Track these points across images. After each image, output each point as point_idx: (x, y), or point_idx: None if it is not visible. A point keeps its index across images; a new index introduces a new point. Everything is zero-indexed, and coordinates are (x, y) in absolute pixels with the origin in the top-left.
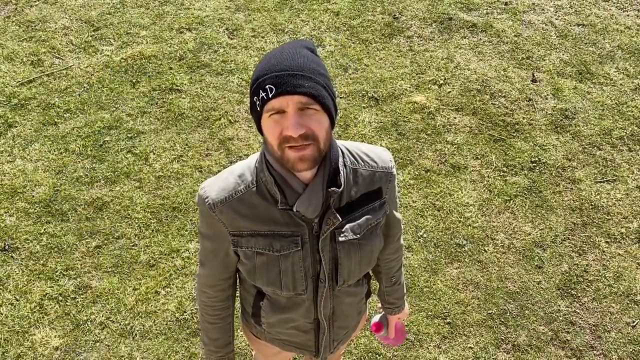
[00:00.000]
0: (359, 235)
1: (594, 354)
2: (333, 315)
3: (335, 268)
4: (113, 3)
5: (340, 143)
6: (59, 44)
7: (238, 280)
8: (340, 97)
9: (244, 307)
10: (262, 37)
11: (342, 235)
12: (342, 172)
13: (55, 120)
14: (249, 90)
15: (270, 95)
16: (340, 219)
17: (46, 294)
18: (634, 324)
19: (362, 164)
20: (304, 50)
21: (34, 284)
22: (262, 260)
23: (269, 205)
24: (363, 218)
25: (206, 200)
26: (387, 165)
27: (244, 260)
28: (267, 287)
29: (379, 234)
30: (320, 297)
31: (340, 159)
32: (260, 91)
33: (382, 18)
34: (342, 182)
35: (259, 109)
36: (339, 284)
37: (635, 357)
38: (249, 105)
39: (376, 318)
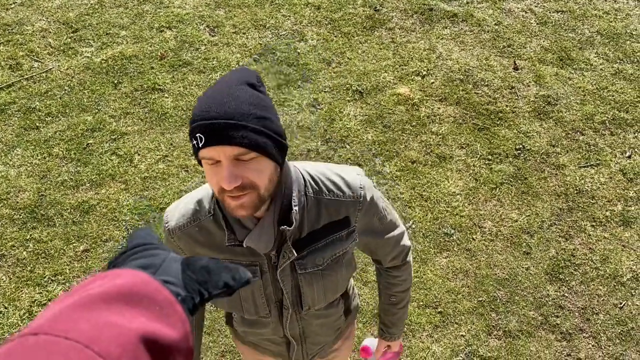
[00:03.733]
0: (321, 267)
1: (584, 337)
2: (303, 334)
3: (299, 295)
4: (91, 4)
5: (303, 168)
6: (38, 46)
7: None
8: (325, 92)
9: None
10: (244, 34)
11: (301, 267)
12: (294, 209)
13: (37, 124)
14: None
15: (200, 145)
16: (296, 254)
17: (35, 300)
18: (621, 305)
19: (326, 193)
20: (240, 89)
21: (22, 290)
22: None
23: (222, 236)
24: (327, 249)
25: (166, 225)
26: (355, 194)
27: None
28: (229, 310)
29: (344, 263)
30: (286, 320)
31: (302, 189)
32: (193, 139)
33: (363, 11)
34: (295, 220)
35: (193, 154)
36: (304, 310)
37: (623, 338)
38: None
39: (366, 342)
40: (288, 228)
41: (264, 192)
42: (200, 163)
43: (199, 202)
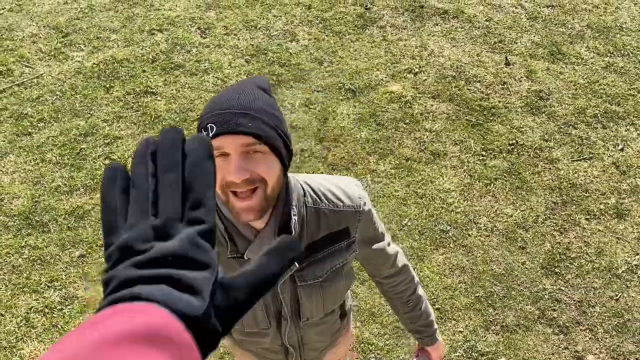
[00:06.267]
0: (320, 279)
1: (580, 329)
2: (302, 342)
3: (297, 307)
4: (81, 8)
5: (302, 179)
6: (28, 52)
7: None
8: (318, 91)
9: None
10: (235, 35)
11: (301, 279)
12: (293, 218)
13: (29, 130)
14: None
15: (210, 135)
16: (297, 266)
17: (32, 307)
18: (617, 297)
19: (326, 203)
20: (255, 90)
21: (18, 297)
22: None
23: (223, 249)
24: (326, 260)
25: None
26: (354, 204)
27: None
28: None
29: (344, 275)
30: (284, 330)
31: (301, 199)
32: (202, 131)
33: (354, 9)
34: (295, 229)
35: None
36: (302, 321)
37: (619, 329)
38: None
39: None
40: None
41: (271, 192)
42: None
43: None
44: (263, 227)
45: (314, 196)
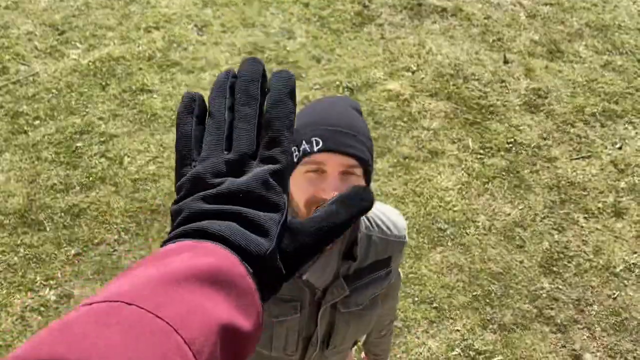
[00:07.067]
0: (362, 306)
1: (578, 328)
2: None
3: (329, 334)
4: (77, 5)
5: None
6: (24, 50)
7: None
8: (315, 89)
9: None
10: (232, 32)
11: (345, 306)
12: (359, 244)
13: (25, 128)
14: None
15: (315, 149)
16: (348, 292)
17: (27, 305)
18: (615, 295)
19: (377, 230)
20: (351, 111)
21: (14, 296)
22: None
23: None
24: (369, 287)
25: None
26: (401, 234)
27: None
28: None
29: (380, 303)
30: (309, 357)
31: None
32: (303, 142)
33: (352, 7)
34: (358, 255)
35: (295, 160)
36: (329, 348)
37: (617, 328)
38: None
39: None
40: (352, 262)
41: None
42: None
43: None
44: (329, 249)
45: (367, 222)
